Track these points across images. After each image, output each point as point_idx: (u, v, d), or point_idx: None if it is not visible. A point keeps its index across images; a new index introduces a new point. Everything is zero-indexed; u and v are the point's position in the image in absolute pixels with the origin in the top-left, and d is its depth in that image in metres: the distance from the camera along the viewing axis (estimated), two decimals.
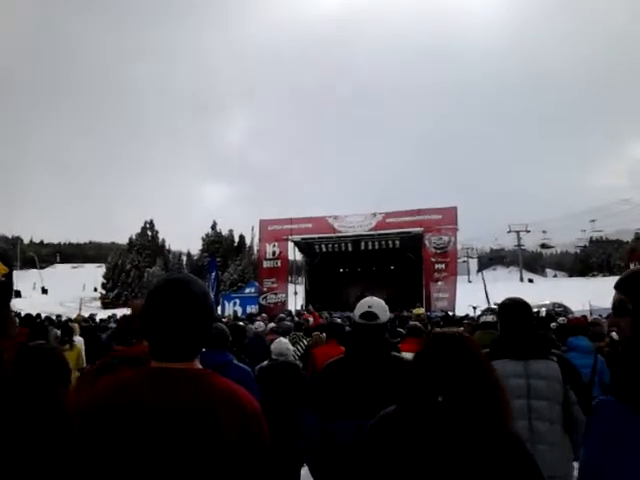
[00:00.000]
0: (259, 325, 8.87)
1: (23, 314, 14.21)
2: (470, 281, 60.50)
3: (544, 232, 70.19)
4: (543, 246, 73.32)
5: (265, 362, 5.21)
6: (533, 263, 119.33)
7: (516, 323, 3.12)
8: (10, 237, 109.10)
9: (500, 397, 1.52)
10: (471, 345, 1.59)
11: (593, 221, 66.92)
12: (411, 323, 7.18)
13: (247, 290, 30.64)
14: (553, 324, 9.21)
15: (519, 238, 71.54)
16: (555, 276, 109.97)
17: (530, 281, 65.84)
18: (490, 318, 5.10)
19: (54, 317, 19.85)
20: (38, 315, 13.91)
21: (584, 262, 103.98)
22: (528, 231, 70.58)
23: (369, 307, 2.94)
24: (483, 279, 21.99)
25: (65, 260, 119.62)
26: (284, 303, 28.83)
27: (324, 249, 30.70)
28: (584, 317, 13.67)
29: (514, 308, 3.20)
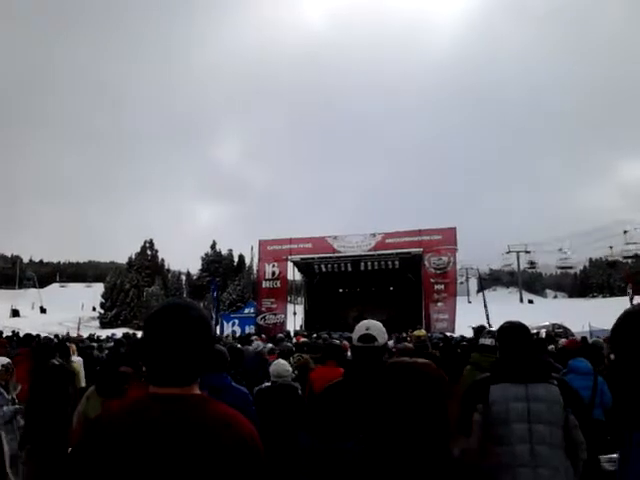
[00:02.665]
0: (258, 345, 8.81)
1: (22, 334, 14.18)
2: (470, 302, 60.41)
3: (560, 250, 69.71)
4: (531, 264, 72.92)
5: (264, 384, 5.18)
6: (533, 284, 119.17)
7: (516, 346, 3.12)
8: (10, 256, 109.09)
9: (444, 427, 1.54)
10: (420, 377, 1.60)
11: (627, 235, 65.17)
12: (400, 344, 7.14)
13: (246, 310, 30.54)
14: (551, 346, 9.15)
15: (519, 259, 71.56)
16: (555, 297, 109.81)
17: (530, 302, 65.70)
18: (489, 342, 5.06)
19: (53, 337, 19.78)
20: (37, 335, 13.89)
21: (584, 283, 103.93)
22: (528, 252, 70.58)
23: (367, 330, 2.94)
24: (484, 300, 21.87)
25: (65, 279, 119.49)
26: (283, 323, 28.73)
27: (323, 269, 30.68)
28: (583, 338, 13.63)
29: (513, 331, 3.19)
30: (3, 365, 5.17)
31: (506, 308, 36.26)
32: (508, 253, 71.71)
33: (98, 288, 78.54)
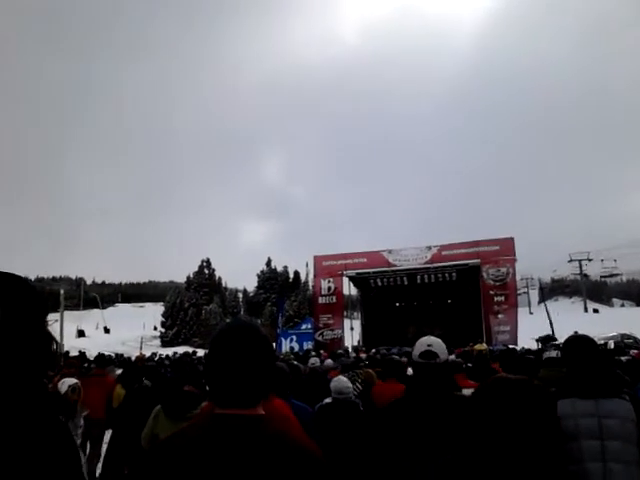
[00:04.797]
0: (316, 361, 8.83)
1: (89, 354, 14.72)
2: (531, 313, 58.80)
3: (615, 261, 67.34)
4: (609, 276, 70.30)
5: (325, 401, 5.16)
6: (598, 292, 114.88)
7: (584, 360, 3.01)
8: (74, 278, 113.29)
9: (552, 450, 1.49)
10: (529, 395, 1.54)
11: None
12: (449, 359, 6.99)
13: (303, 326, 30.66)
14: (627, 357, 8.73)
15: (581, 267, 69.16)
16: (622, 305, 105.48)
17: (595, 311, 63.20)
18: (554, 354, 4.90)
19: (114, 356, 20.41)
20: (110, 356, 14.45)
21: None
22: (590, 259, 68.14)
23: (428, 346, 2.91)
24: (547, 310, 21.16)
25: (126, 300, 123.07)
26: (341, 339, 28.69)
27: (379, 283, 30.55)
28: None
29: (580, 344, 3.10)
30: (70, 386, 5.36)
31: (570, 318, 35.14)
32: (570, 262, 69.40)
33: (152, 308, 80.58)
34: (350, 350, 20.41)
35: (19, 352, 1.12)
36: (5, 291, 1.12)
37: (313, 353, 15.54)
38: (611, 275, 70.24)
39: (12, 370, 1.11)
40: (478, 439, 1.52)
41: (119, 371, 8.82)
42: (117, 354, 21.01)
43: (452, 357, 6.82)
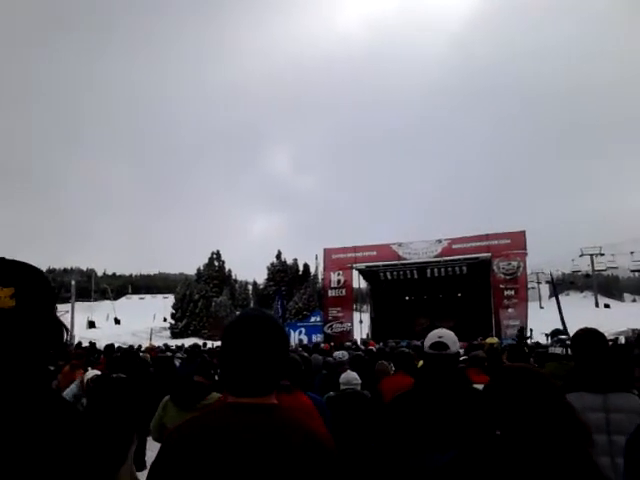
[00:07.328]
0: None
1: (99, 344, 14.84)
2: (542, 307, 58.44)
3: (632, 253, 66.76)
4: (609, 269, 69.74)
5: (332, 392, 5.19)
6: (609, 287, 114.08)
7: (592, 354, 3.02)
8: (85, 270, 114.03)
9: (577, 431, 1.50)
10: (540, 379, 1.56)
11: None
12: (472, 353, 6.98)
13: (312, 319, 30.76)
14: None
15: (593, 262, 68.62)
16: (634, 301, 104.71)
17: (607, 306, 62.75)
18: (559, 350, 4.91)
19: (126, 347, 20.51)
20: (112, 345, 14.52)
21: None
22: (602, 254, 67.61)
23: (439, 337, 2.93)
24: (558, 304, 21.06)
25: (136, 291, 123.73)
26: (350, 332, 28.71)
27: (389, 277, 30.52)
28: None
29: (589, 338, 3.10)
30: (92, 377, 5.43)
31: (581, 313, 34.84)
32: (581, 256, 68.87)
33: (162, 300, 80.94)
34: (359, 343, 20.45)
35: (33, 338, 1.14)
36: (19, 279, 1.14)
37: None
38: (610, 268, 69.76)
39: (27, 356, 1.13)
40: (493, 431, 1.54)
41: None
42: (131, 346, 21.14)
43: (479, 352, 6.80)
